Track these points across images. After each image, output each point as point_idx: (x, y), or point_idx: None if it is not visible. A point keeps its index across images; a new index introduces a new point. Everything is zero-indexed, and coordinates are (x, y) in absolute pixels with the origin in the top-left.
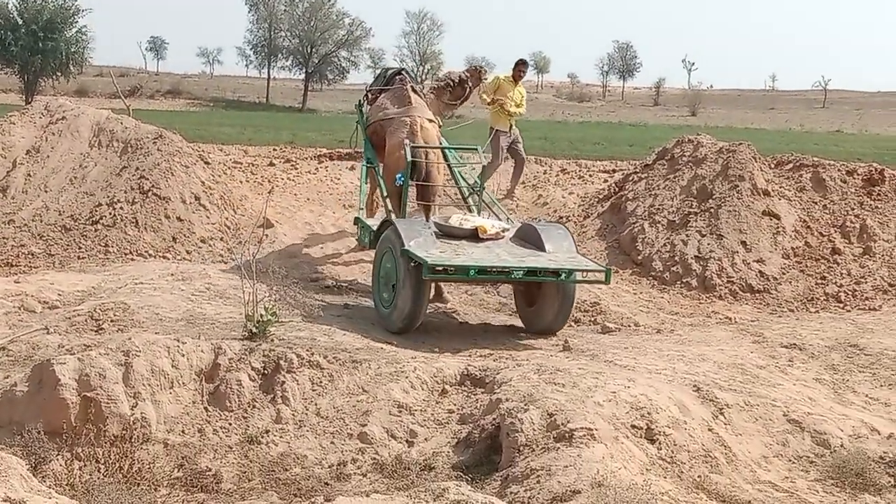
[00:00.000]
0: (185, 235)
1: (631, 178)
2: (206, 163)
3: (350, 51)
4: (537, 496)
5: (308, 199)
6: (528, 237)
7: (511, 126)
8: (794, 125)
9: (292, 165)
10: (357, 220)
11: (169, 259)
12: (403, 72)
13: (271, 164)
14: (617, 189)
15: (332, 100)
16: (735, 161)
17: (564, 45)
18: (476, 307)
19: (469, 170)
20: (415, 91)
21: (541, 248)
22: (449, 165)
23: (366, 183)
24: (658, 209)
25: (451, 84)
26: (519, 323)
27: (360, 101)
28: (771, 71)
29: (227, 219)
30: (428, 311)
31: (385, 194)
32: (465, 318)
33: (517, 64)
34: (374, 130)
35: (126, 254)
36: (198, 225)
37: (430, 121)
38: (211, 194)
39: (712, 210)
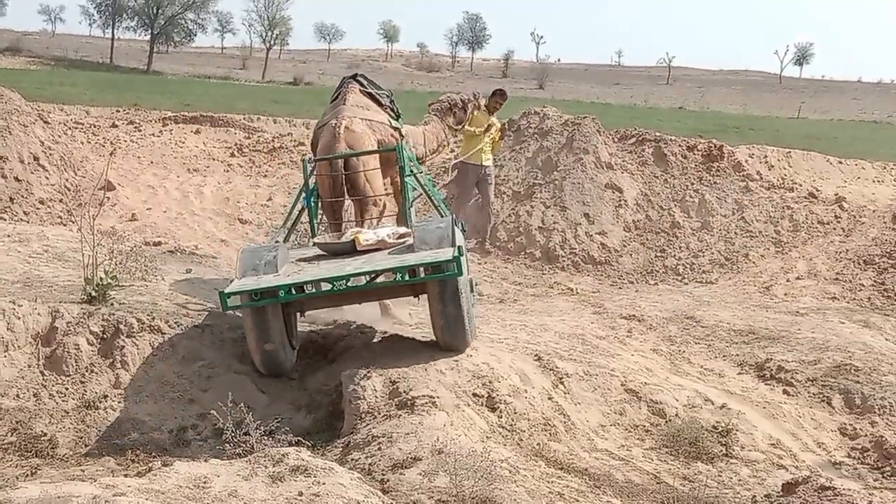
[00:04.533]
0: (22, 196)
1: None
2: (46, 122)
3: (197, 13)
4: (378, 463)
5: (152, 163)
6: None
7: (482, 162)
8: (638, 101)
9: (136, 128)
10: None
11: (6, 220)
12: (358, 76)
13: (114, 126)
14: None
15: (179, 62)
16: (580, 134)
17: (414, 15)
18: None
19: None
20: (368, 94)
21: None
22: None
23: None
24: (504, 180)
25: (455, 106)
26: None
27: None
28: (617, 46)
29: (66, 180)
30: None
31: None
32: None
33: (493, 94)
34: (311, 144)
35: None
36: (36, 186)
37: (369, 121)
38: (50, 155)
39: (557, 182)
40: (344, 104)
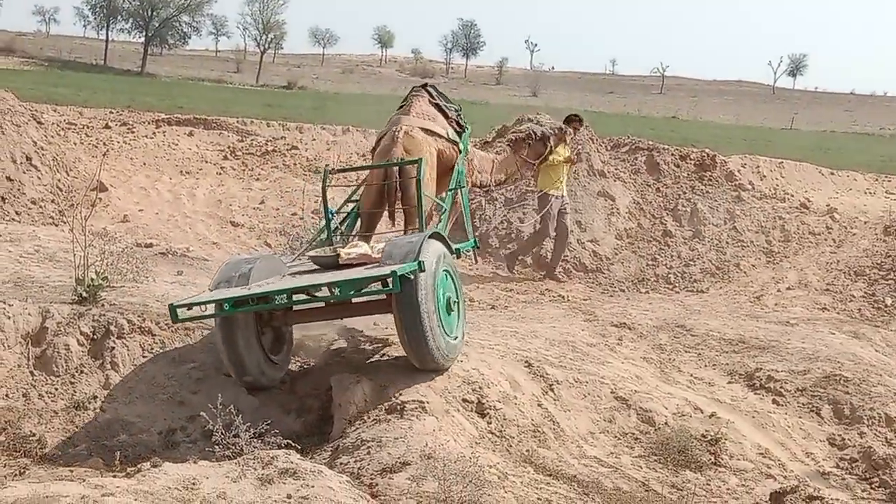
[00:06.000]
0: (14, 196)
1: None
2: (39, 123)
3: (192, 16)
4: (367, 467)
5: (144, 164)
6: None
7: (564, 193)
8: (631, 110)
9: (129, 129)
10: None
11: None
12: (428, 87)
13: (107, 127)
14: None
15: (172, 65)
16: (573, 142)
17: (409, 21)
18: None
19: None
20: (435, 105)
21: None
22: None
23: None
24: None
25: (532, 138)
26: None
27: None
28: (611, 55)
29: (59, 181)
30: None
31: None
32: None
33: (568, 119)
34: (371, 150)
35: None
36: (28, 186)
37: (429, 131)
38: (43, 155)
39: None
40: (408, 113)
